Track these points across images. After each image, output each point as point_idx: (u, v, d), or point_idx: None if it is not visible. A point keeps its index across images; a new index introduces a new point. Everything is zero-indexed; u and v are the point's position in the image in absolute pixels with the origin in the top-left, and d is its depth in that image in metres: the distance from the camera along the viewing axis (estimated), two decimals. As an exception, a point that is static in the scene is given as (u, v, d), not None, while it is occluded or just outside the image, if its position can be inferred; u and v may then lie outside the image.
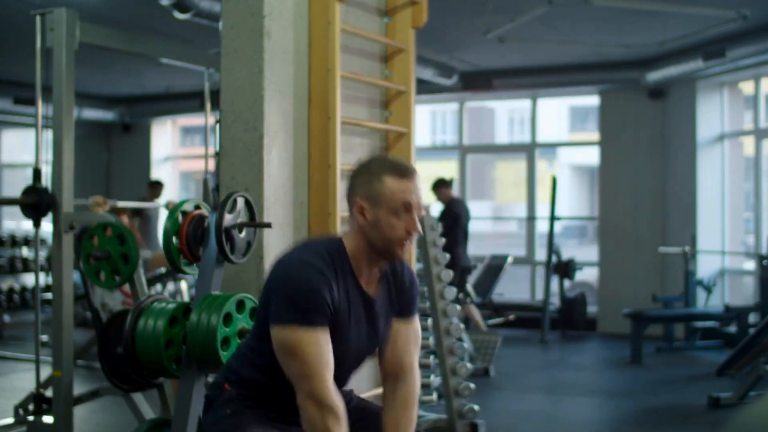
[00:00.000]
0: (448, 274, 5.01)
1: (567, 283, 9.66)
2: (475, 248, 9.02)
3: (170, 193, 11.75)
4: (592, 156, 10.99)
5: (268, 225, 3.12)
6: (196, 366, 2.88)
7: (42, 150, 4.21)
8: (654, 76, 8.86)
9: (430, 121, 18.41)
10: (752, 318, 7.93)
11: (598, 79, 9.40)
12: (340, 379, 2.35)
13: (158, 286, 7.48)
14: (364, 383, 3.86)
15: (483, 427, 4.92)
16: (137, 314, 3.02)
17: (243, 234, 3.01)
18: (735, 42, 7.70)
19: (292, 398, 2.25)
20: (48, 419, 4.10)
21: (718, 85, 9.20)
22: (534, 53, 8.74)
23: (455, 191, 10.26)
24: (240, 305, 2.89)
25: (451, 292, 5.01)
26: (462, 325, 5.04)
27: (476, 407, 4.91)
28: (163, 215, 9.33)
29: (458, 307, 5.04)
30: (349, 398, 2.46)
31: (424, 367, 4.77)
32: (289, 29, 3.57)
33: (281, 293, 2.24)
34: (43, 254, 8.96)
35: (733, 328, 8.19)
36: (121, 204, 3.75)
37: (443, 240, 5.16)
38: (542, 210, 10.48)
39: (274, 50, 3.49)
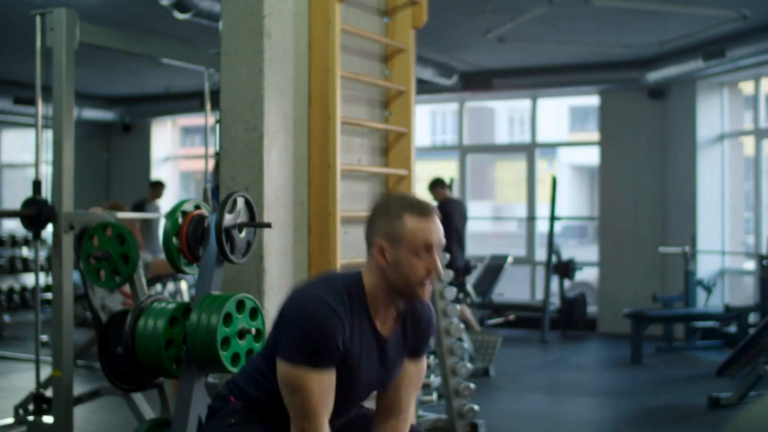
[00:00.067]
0: (448, 274, 5.01)
1: (567, 283, 9.66)
2: (475, 248, 9.03)
3: (170, 193, 11.75)
4: (592, 156, 10.99)
5: (268, 225, 3.12)
6: (196, 366, 2.88)
7: (42, 150, 4.21)
8: (654, 76, 8.86)
9: (430, 121, 18.41)
10: (752, 318, 7.93)
11: (598, 79, 9.40)
12: (348, 408, 2.37)
13: (158, 286, 7.47)
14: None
15: (483, 427, 4.92)
16: (137, 314, 3.02)
17: (243, 234, 3.01)
18: (735, 42, 7.70)
19: None
20: (48, 419, 4.10)
21: (718, 85, 9.20)
22: (534, 53, 8.74)
23: (455, 191, 10.28)
24: (240, 305, 2.89)
25: (451, 292, 5.02)
26: (462, 325, 5.04)
27: (476, 407, 4.91)
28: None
29: (458, 307, 5.04)
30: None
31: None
32: (289, 29, 3.57)
33: (293, 329, 2.23)
34: (43, 254, 8.96)
35: (733, 328, 8.19)
36: (121, 215, 3.75)
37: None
38: (542, 210, 10.48)
39: (274, 50, 3.49)
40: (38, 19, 4.08)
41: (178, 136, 13.15)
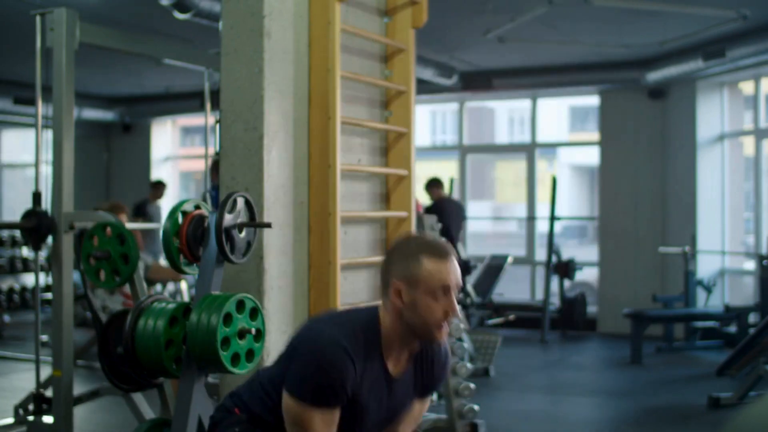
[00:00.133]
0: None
1: (567, 283, 9.66)
2: (475, 248, 9.02)
3: (170, 193, 11.75)
4: (592, 156, 10.99)
5: (268, 225, 3.12)
6: (196, 366, 2.88)
7: (42, 150, 4.21)
8: (654, 76, 8.86)
9: (430, 121, 18.41)
10: (752, 318, 7.93)
11: (598, 79, 9.40)
12: None
13: (158, 286, 7.48)
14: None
15: (483, 427, 4.92)
16: (137, 314, 3.02)
17: (243, 234, 3.01)
18: (735, 42, 7.70)
19: None
20: (48, 419, 4.10)
21: (718, 85, 9.20)
22: (534, 53, 8.74)
23: (456, 191, 10.29)
24: (240, 305, 2.89)
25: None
26: (462, 325, 5.04)
27: (476, 407, 4.91)
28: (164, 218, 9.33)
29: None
30: None
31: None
32: (289, 29, 3.57)
33: (303, 364, 2.23)
34: (43, 254, 8.96)
35: (733, 328, 8.19)
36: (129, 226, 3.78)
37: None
38: (542, 210, 10.48)
39: (274, 50, 3.49)
40: (38, 19, 4.09)
41: (178, 136, 13.15)
